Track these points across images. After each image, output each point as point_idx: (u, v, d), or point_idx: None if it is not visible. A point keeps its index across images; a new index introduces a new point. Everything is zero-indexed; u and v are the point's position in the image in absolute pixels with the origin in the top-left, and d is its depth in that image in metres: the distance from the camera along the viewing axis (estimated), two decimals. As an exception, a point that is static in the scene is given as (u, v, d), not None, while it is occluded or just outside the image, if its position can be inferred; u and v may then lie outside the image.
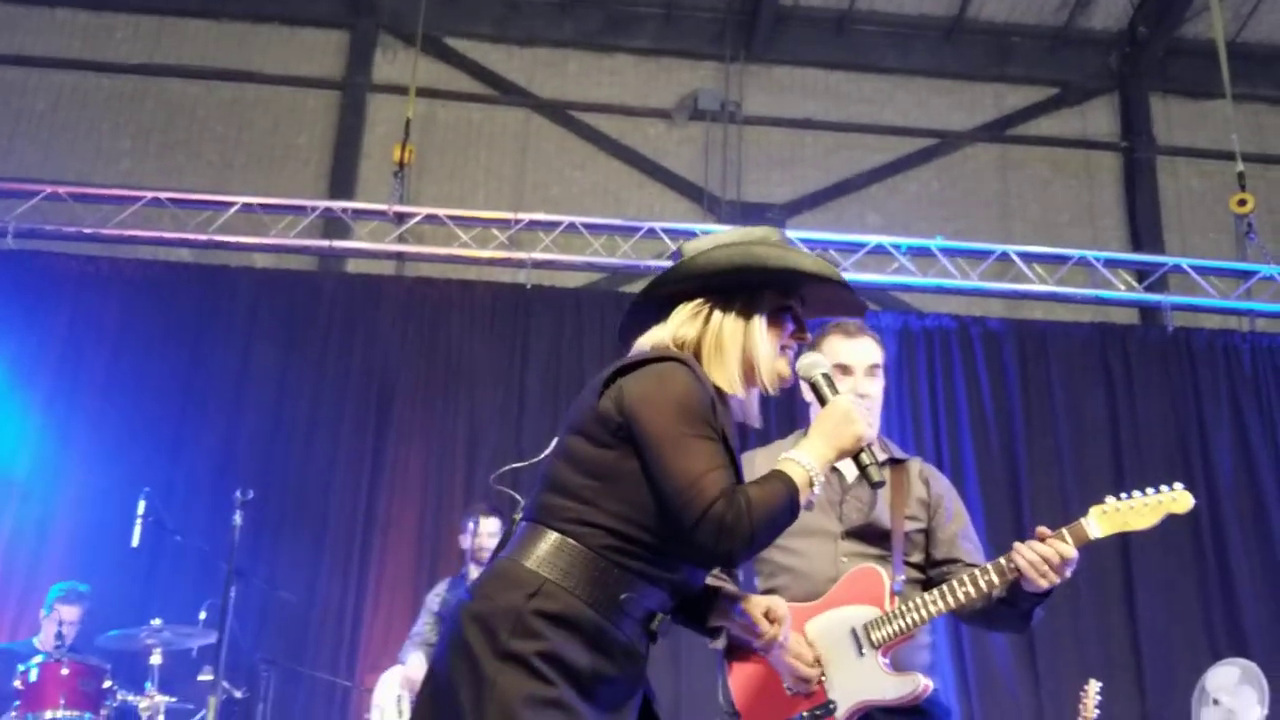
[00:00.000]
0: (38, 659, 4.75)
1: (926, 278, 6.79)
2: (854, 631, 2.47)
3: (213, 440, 6.19)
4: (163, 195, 6.69)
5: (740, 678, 2.53)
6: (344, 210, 6.93)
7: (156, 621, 4.82)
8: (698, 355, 1.91)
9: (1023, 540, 2.42)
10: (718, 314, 1.93)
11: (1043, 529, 2.41)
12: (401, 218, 6.86)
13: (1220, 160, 7.65)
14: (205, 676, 4.64)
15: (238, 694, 4.94)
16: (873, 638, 2.45)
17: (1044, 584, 2.34)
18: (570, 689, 1.69)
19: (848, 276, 6.74)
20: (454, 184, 7.76)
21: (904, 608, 2.46)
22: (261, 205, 6.74)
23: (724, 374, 1.90)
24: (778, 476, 1.83)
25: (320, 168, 7.76)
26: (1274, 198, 7.95)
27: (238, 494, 4.65)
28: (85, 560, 5.74)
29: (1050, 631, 6.18)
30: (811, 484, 1.84)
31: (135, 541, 4.85)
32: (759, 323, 1.92)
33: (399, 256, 7.01)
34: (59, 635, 4.83)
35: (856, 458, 1.93)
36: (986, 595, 2.44)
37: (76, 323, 6.36)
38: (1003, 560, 2.41)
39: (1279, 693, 5.19)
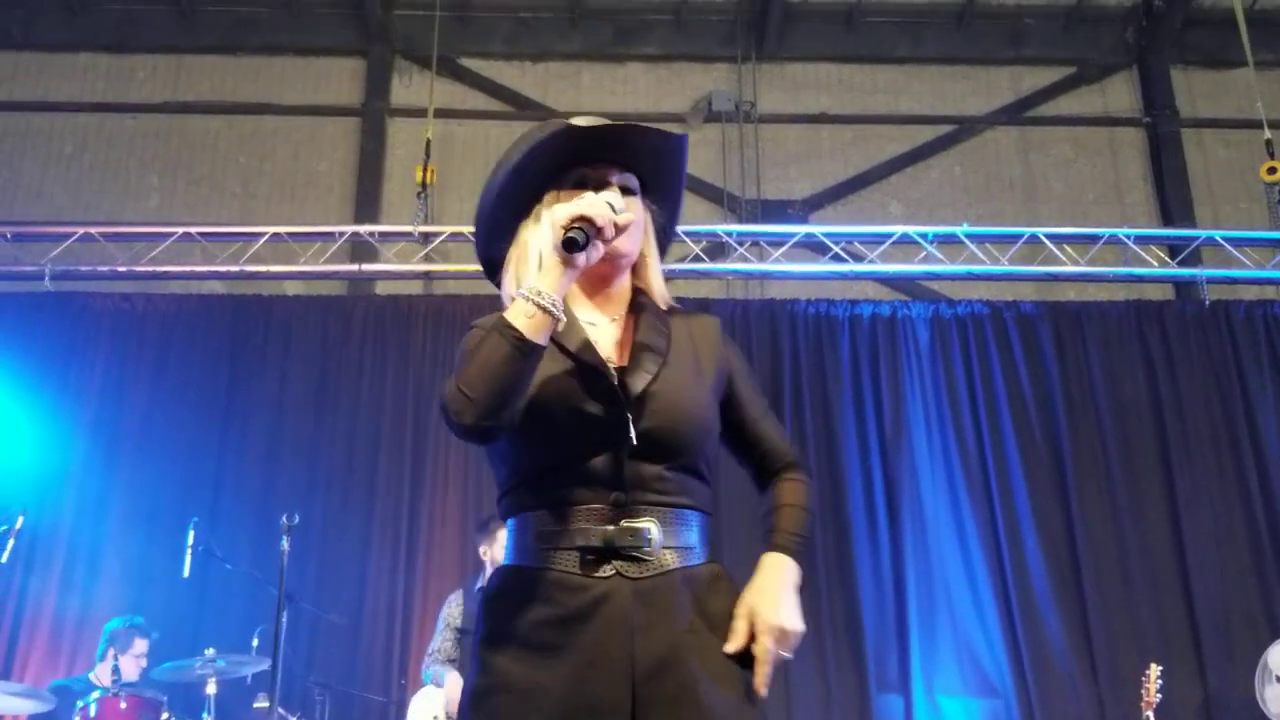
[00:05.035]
0: (95, 694, 4.78)
1: (955, 265, 6.74)
2: None
3: (254, 467, 6.24)
4: (193, 230, 6.77)
5: None
6: (370, 234, 6.99)
7: (210, 651, 4.85)
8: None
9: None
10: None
11: None
12: (427, 237, 6.91)
13: (1246, 130, 7.55)
14: (261, 704, 4.66)
15: (293, 719, 4.97)
16: None
17: None
18: (491, 660, 1.60)
19: (874, 269, 6.82)
20: (475, 201, 7.76)
21: None
22: (290, 234, 6.81)
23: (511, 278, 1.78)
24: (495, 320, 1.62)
25: (344, 193, 7.83)
26: (1303, 163, 7.83)
27: (284, 519, 4.67)
28: (136, 593, 5.81)
29: (1105, 614, 6.10)
30: (539, 309, 1.55)
31: (186, 572, 4.88)
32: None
33: (427, 276, 7.06)
34: (115, 670, 4.87)
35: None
36: None
37: (115, 359, 6.44)
38: None
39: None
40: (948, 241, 6.79)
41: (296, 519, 4.72)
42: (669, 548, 1.62)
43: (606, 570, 1.59)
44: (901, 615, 6.13)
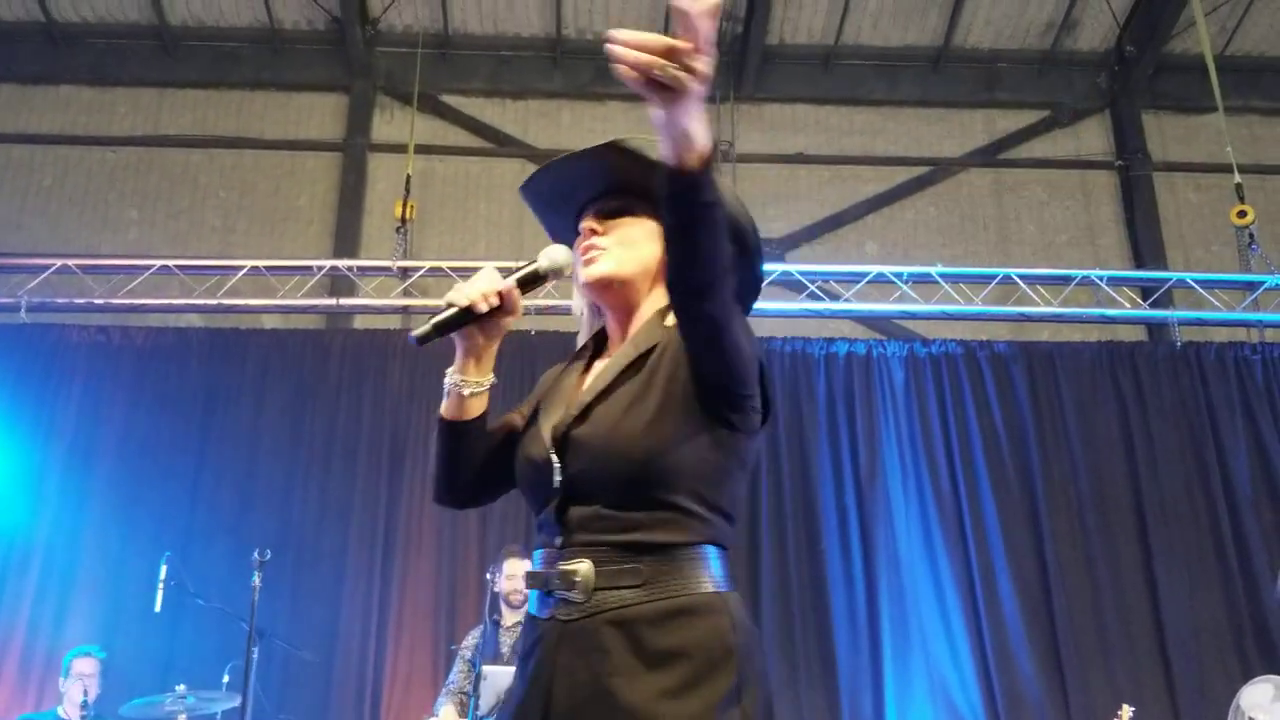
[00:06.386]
0: (62, 730, 4.74)
1: (930, 304, 6.81)
2: None
3: (228, 501, 6.21)
4: (171, 263, 6.77)
5: None
6: (349, 268, 7.00)
7: (181, 687, 4.81)
8: None
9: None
10: None
11: None
12: (406, 272, 6.93)
13: (1217, 174, 7.69)
14: (230, 741, 4.62)
15: (263, 757, 4.92)
16: None
17: None
18: None
19: (849, 307, 6.86)
20: (455, 236, 7.84)
21: None
22: (268, 267, 6.82)
23: None
24: None
25: (324, 227, 7.85)
26: (1273, 208, 7.98)
27: (256, 555, 4.65)
28: (107, 627, 5.77)
29: (1078, 653, 6.13)
30: (446, 389, 1.73)
31: (158, 607, 4.85)
32: None
33: (405, 310, 7.07)
34: (84, 704, 4.83)
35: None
36: None
37: (90, 391, 6.41)
38: None
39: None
40: (922, 281, 6.87)
41: (269, 554, 4.70)
42: (604, 588, 1.56)
43: (547, 612, 1.62)
44: (876, 654, 6.13)
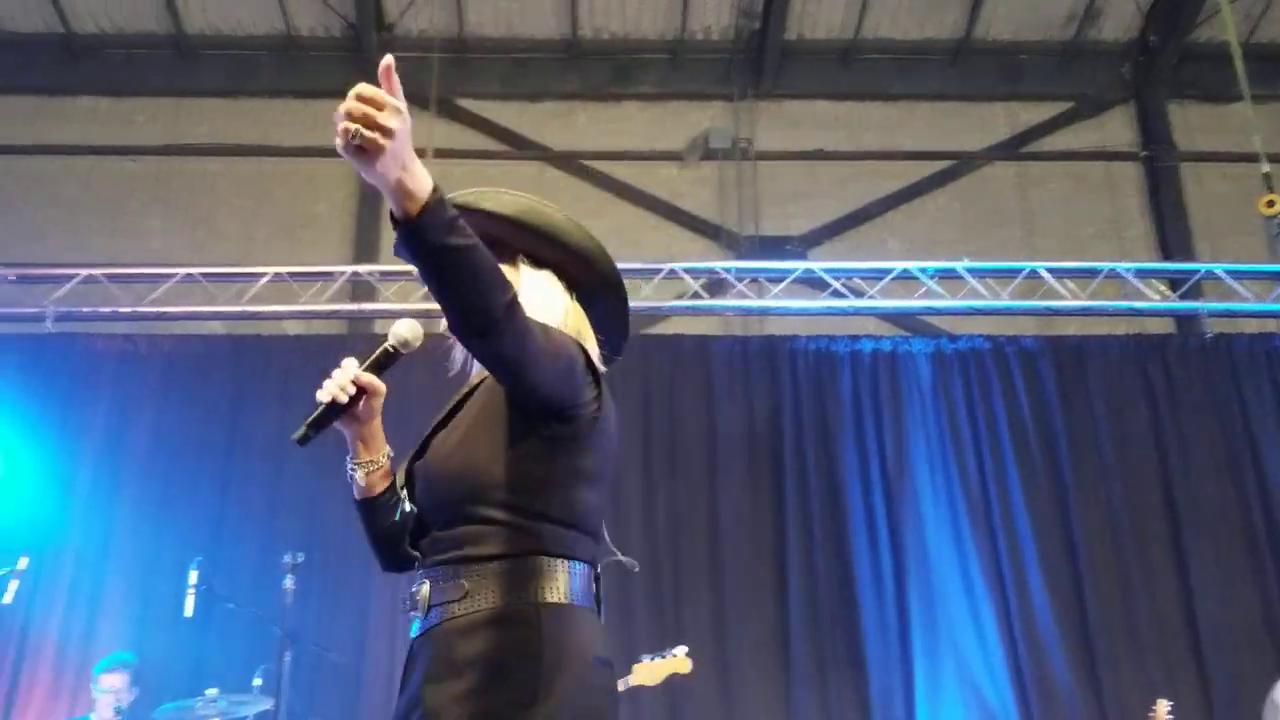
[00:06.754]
0: (95, 736, 4.76)
1: (956, 300, 6.75)
2: None
3: (257, 506, 6.21)
4: (195, 271, 6.78)
5: None
6: (370, 273, 7.00)
7: (212, 691, 4.80)
8: None
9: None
10: None
11: None
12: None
13: (1244, 163, 7.58)
14: (262, 745, 4.60)
15: (294, 761, 4.90)
16: None
17: None
18: None
19: (874, 304, 6.83)
20: (474, 240, 7.82)
21: None
22: (290, 274, 6.81)
23: None
24: None
25: (343, 234, 7.86)
26: (1301, 196, 7.87)
27: (287, 558, 4.64)
28: (138, 631, 5.79)
29: (1110, 649, 6.06)
30: (351, 471, 1.95)
31: (189, 611, 4.84)
32: None
33: (427, 315, 7.03)
34: (117, 710, 4.83)
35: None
36: None
37: (117, 400, 6.41)
38: None
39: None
40: (947, 276, 6.80)
41: (300, 557, 4.69)
42: (437, 605, 1.67)
43: (413, 633, 1.74)
44: (906, 653, 6.07)
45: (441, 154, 7.72)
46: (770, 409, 6.49)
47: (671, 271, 6.81)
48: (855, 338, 6.78)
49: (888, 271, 6.80)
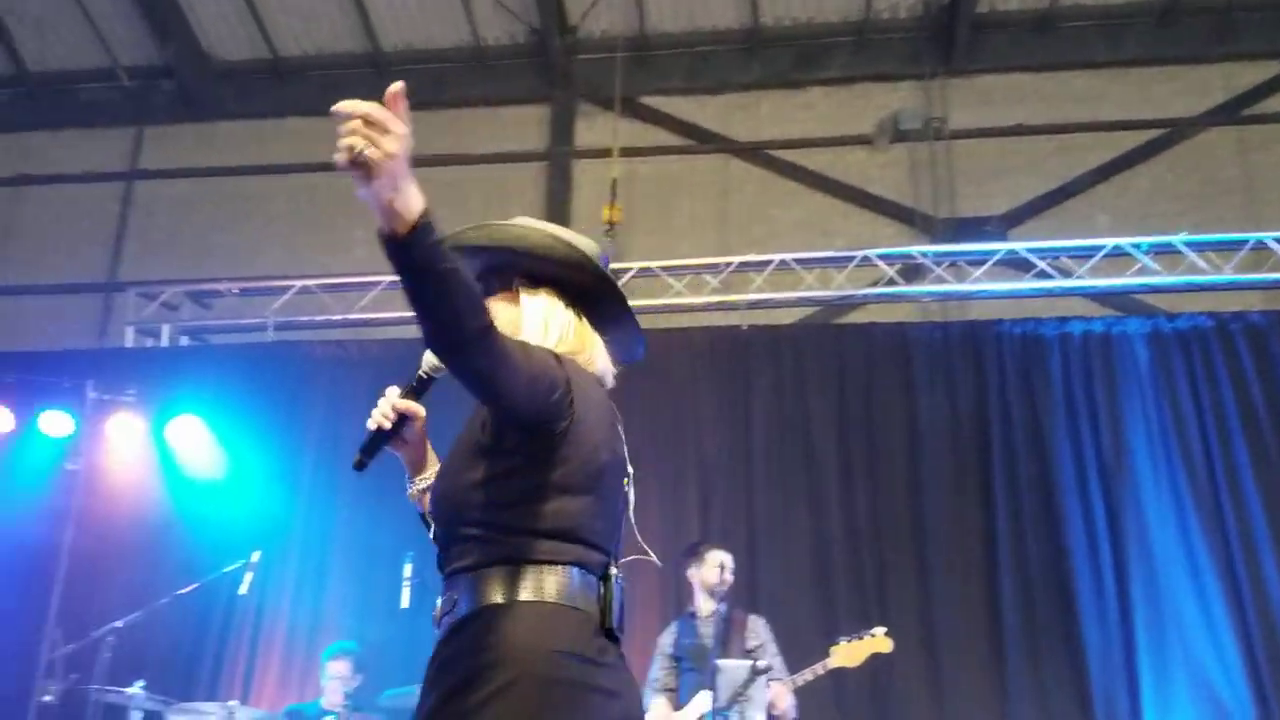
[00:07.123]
0: (329, 718, 5.03)
1: (1174, 276, 6.32)
2: None
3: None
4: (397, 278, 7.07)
5: None
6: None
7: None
8: None
9: None
10: None
11: None
12: (616, 275, 6.98)
13: None
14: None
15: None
16: None
17: None
18: None
19: (1084, 283, 6.49)
20: (659, 236, 7.88)
21: None
22: (487, 277, 7.02)
23: None
24: None
25: (534, 236, 8.03)
26: None
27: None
28: (359, 619, 6.09)
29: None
30: (410, 490, 2.13)
31: (405, 603, 5.06)
32: None
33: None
34: (347, 695, 5.10)
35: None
36: None
37: (334, 402, 6.77)
38: None
39: None
40: (1163, 252, 6.42)
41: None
42: (447, 614, 1.77)
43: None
44: (1129, 651, 5.75)
45: (627, 152, 7.80)
46: (975, 398, 6.24)
47: (865, 259, 6.66)
48: (1064, 320, 6.43)
49: (1098, 249, 6.45)
